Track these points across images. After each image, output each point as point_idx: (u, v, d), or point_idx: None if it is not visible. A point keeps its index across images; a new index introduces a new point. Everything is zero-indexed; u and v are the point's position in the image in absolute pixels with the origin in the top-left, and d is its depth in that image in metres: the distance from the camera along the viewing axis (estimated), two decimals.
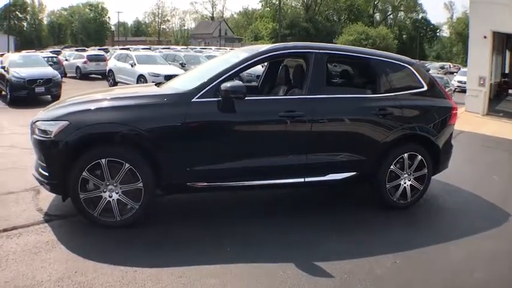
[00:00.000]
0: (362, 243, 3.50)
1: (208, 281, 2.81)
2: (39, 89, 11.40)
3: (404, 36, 67.33)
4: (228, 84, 3.49)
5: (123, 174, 3.38)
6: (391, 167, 4.08)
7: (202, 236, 3.46)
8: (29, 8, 71.16)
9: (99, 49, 32.44)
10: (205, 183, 3.59)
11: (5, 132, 7.25)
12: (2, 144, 6.24)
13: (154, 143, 3.41)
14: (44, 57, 16.16)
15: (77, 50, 28.91)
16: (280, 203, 4.44)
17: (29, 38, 67.02)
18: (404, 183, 4.17)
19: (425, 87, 4.34)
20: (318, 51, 3.98)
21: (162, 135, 3.45)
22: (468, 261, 3.33)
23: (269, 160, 3.75)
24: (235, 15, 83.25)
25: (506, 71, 18.94)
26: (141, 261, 2.98)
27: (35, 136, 3.53)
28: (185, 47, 44.12)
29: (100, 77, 19.99)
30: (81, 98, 3.92)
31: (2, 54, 17.39)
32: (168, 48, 33.15)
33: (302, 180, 3.84)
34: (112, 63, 16.62)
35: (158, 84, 4.53)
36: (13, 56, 13.77)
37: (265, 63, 4.95)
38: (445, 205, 4.54)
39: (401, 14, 71.21)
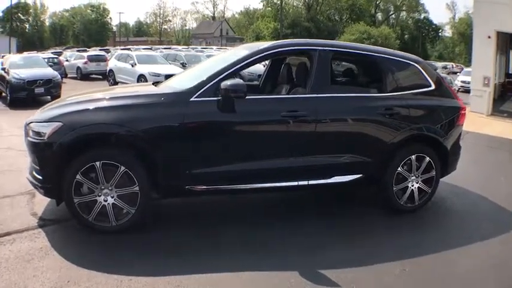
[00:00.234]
0: (368, 249, 3.37)
1: None
2: (39, 90, 11.44)
3: (406, 36, 67.27)
4: (228, 82, 3.37)
5: (118, 177, 3.26)
6: (399, 169, 3.95)
7: (200, 243, 3.33)
8: (31, 10, 71.52)
9: (100, 49, 32.46)
10: (205, 187, 3.47)
11: (3, 134, 7.24)
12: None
13: (150, 145, 3.30)
14: (45, 58, 16.29)
15: (78, 51, 28.91)
16: (281, 206, 4.30)
17: (31, 40, 67.39)
18: (412, 185, 4.04)
19: (433, 86, 4.21)
20: (322, 48, 3.86)
21: (158, 136, 3.32)
22: (480, 269, 3.19)
23: (271, 162, 3.62)
24: (236, 15, 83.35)
25: (510, 71, 18.80)
26: (136, 269, 2.89)
27: (28, 138, 3.43)
28: (186, 46, 44.11)
29: (101, 77, 20.04)
30: (75, 98, 3.82)
31: (3, 56, 17.42)
32: (169, 48, 33.11)
33: (306, 183, 3.70)
34: (112, 63, 16.65)
35: (156, 83, 4.41)
36: (13, 57, 13.89)
37: (267, 62, 4.82)
38: (453, 207, 4.44)
39: (403, 13, 71.15)
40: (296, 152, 3.68)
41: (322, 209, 4.27)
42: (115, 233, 3.34)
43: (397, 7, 69.62)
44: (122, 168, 3.24)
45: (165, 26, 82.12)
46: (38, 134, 3.32)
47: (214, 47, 41.86)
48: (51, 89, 11.59)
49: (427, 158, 4.04)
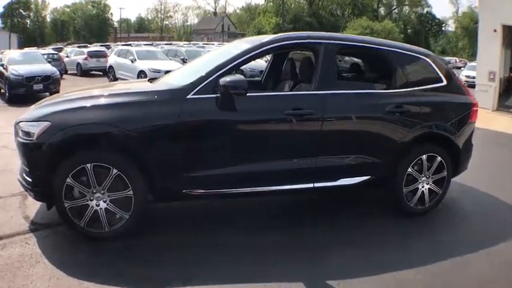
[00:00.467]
0: (378, 256, 3.17)
1: None
2: (38, 86, 11.40)
3: (409, 30, 66.82)
4: (227, 78, 3.16)
5: (110, 180, 3.07)
6: (409, 169, 3.75)
7: (199, 251, 3.13)
8: (32, 6, 71.50)
9: (101, 45, 32.27)
10: (203, 190, 3.26)
11: (0, 132, 7.09)
12: None
13: (144, 146, 3.10)
14: (44, 54, 16.19)
15: (79, 47, 28.73)
16: (285, 211, 4.09)
17: (32, 36, 67.43)
18: (423, 187, 3.84)
19: (445, 82, 4.00)
20: (328, 41, 3.64)
21: (153, 136, 3.12)
22: (496, 278, 2.98)
23: (274, 164, 3.41)
24: (238, 11, 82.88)
25: None
26: (130, 280, 2.73)
27: (18, 138, 3.26)
28: (188, 42, 43.87)
29: (101, 73, 19.89)
30: (69, 95, 3.63)
31: (2, 52, 17.34)
32: (170, 44, 32.89)
33: (311, 185, 3.50)
34: (112, 59, 16.49)
35: (151, 79, 4.21)
36: (12, 54, 13.80)
37: (269, 56, 4.62)
38: (465, 208, 4.29)
39: (406, 8, 70.63)
40: (300, 152, 3.47)
41: (328, 214, 4.05)
42: (108, 239, 3.17)
43: (400, 1, 69.11)
44: (114, 170, 3.05)
45: (167, 22, 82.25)
46: (27, 134, 3.15)
47: (216, 43, 41.56)
48: (49, 86, 11.54)
49: (439, 158, 3.84)
